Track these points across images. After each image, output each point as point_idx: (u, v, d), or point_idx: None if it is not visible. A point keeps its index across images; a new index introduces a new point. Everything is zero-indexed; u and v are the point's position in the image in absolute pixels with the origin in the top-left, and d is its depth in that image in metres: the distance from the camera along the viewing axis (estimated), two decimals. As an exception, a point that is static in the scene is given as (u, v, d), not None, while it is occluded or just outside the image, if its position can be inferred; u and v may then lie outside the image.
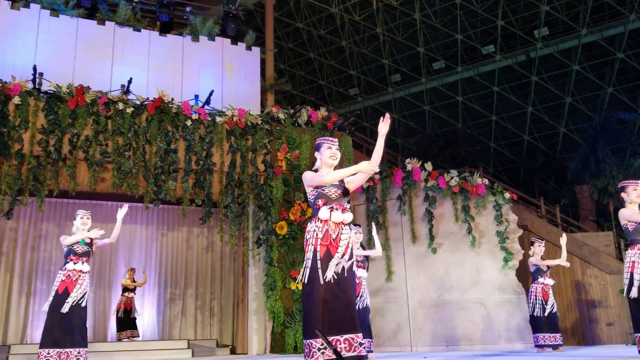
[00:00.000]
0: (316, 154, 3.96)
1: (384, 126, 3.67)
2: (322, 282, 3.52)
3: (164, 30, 10.01)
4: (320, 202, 3.73)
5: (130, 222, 10.07)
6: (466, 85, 24.30)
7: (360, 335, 3.52)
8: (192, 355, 8.34)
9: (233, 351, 9.05)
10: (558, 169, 21.57)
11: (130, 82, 8.18)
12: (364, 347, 3.51)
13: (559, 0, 20.71)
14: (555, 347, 7.39)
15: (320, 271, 3.55)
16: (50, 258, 9.42)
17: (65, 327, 5.59)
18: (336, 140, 3.98)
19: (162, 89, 8.37)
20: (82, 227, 5.88)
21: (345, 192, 3.84)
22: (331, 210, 3.69)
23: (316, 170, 3.91)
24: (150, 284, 10.07)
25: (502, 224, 8.80)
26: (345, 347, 3.44)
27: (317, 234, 3.65)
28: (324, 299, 3.50)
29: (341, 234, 3.68)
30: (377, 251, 6.75)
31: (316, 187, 3.78)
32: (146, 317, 9.98)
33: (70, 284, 5.66)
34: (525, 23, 22.08)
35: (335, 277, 3.57)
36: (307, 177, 3.81)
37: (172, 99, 8.31)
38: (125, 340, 9.12)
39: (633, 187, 5.31)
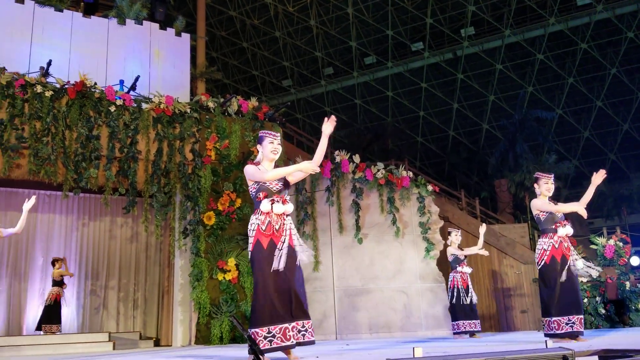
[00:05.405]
0: (258, 147, 4.03)
1: (328, 126, 3.78)
2: (270, 272, 3.62)
3: (88, 11, 9.59)
4: (261, 194, 3.83)
5: (48, 211, 9.61)
6: (396, 80, 24.87)
7: (309, 321, 3.66)
8: (113, 348, 8.08)
9: (157, 343, 8.87)
10: (480, 164, 22.56)
11: (49, 64, 7.80)
12: (310, 332, 3.64)
13: (485, 1, 21.58)
14: (472, 333, 7.77)
15: (266, 262, 3.65)
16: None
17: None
18: (278, 134, 4.05)
19: (85, 73, 8.03)
20: None
21: (286, 185, 3.96)
22: (272, 203, 3.78)
23: (257, 164, 3.97)
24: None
25: (424, 215, 9.13)
26: (294, 335, 3.59)
27: (259, 226, 3.74)
28: (274, 289, 3.59)
29: (283, 224, 3.79)
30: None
31: (257, 181, 3.86)
32: (65, 309, 9.58)
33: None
34: (452, 22, 22.85)
35: (283, 266, 3.66)
36: (249, 171, 3.88)
37: (95, 84, 7.99)
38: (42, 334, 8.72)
39: (545, 180, 5.61)
